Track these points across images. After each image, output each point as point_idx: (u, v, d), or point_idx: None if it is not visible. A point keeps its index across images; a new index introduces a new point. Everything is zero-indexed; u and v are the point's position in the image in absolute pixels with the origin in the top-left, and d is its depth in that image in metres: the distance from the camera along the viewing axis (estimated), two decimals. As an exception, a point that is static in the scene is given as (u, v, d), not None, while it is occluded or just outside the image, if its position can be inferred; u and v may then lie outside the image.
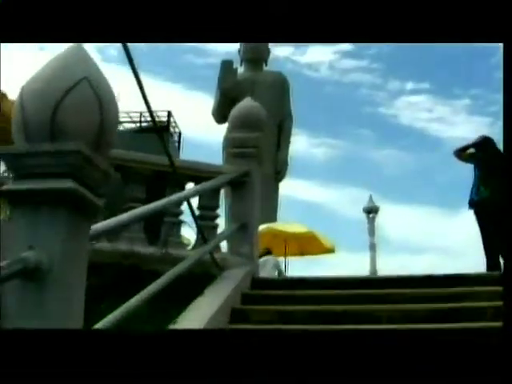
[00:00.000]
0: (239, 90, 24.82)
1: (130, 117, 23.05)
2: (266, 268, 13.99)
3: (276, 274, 14.77)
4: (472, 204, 7.16)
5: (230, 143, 6.53)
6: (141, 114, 22.07)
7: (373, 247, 25.19)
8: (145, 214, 4.26)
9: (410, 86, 78.98)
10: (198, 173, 6.30)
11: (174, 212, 6.14)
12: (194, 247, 6.22)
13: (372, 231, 25.43)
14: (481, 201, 7.04)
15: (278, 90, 25.37)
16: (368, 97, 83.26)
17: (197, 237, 6.30)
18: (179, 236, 6.26)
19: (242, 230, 6.22)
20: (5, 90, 9.03)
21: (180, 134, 20.79)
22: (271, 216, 24.39)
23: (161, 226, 6.18)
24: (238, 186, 6.37)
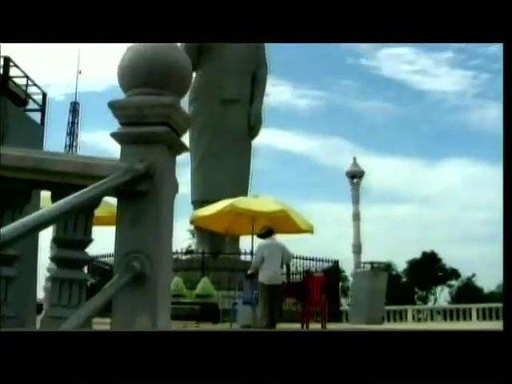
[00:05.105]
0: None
1: None
2: (273, 258, 11.50)
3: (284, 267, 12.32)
4: None
5: (118, 116, 3.42)
6: None
7: (357, 217, 22.14)
8: None
9: (392, 37, 75.89)
10: (54, 177, 3.24)
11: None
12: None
13: (356, 198, 22.23)
14: None
15: (251, 35, 22.30)
16: (351, 48, 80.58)
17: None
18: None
19: (136, 286, 3.20)
20: None
21: (44, 96, 12.27)
22: (241, 186, 21.51)
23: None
24: (129, 198, 3.31)
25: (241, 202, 13.76)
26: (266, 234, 11.94)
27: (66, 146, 61.91)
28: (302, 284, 13.50)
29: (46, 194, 3.89)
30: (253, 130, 23.20)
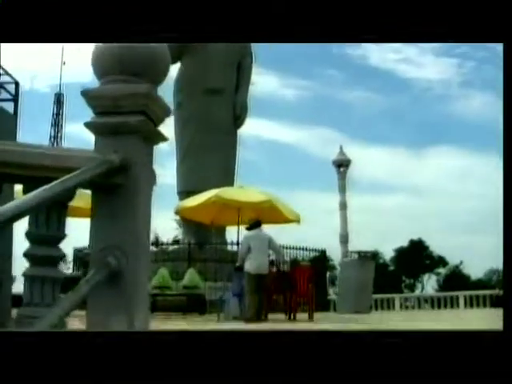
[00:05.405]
0: (192, 24, 21.52)
1: None
2: (260, 248, 11.38)
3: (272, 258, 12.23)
4: None
5: (92, 105, 3.27)
6: None
7: (343, 206, 21.92)
8: None
9: (377, 25, 75.77)
10: (24, 170, 3.09)
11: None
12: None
13: (343, 188, 22.02)
14: None
15: (236, 24, 22.05)
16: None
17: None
18: None
19: (112, 282, 3.07)
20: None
21: (17, 85, 11.43)
22: (227, 176, 21.36)
23: None
24: (104, 192, 3.17)
25: (226, 192, 13.61)
26: (254, 225, 11.86)
27: (50, 138, 61.37)
28: (289, 275, 13.40)
29: (20, 186, 3.74)
30: (238, 119, 22.97)
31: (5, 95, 11.22)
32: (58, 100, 59.52)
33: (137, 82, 3.24)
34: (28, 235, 3.17)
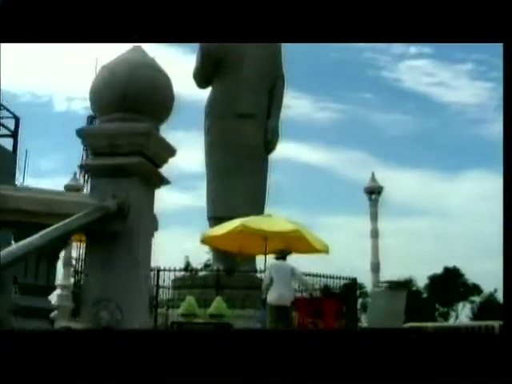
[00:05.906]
0: (225, 49, 21.36)
1: None
2: (281, 279, 11.09)
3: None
4: None
5: (89, 145, 3.04)
6: None
7: (375, 234, 21.41)
8: None
9: (413, 50, 75.46)
10: (16, 215, 2.86)
11: None
12: None
13: (375, 215, 21.49)
14: None
15: (269, 50, 21.75)
16: (371, 60, 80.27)
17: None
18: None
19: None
20: None
21: (17, 120, 10.62)
22: (257, 202, 21.08)
23: None
24: (99, 239, 2.93)
25: (252, 221, 13.30)
26: (281, 257, 11.55)
27: (82, 157, 62.36)
28: (318, 304, 13.04)
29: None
30: (269, 144, 22.63)
31: (3, 131, 10.35)
32: (91, 122, 60.40)
33: (137, 120, 3.00)
34: (17, 285, 2.96)
